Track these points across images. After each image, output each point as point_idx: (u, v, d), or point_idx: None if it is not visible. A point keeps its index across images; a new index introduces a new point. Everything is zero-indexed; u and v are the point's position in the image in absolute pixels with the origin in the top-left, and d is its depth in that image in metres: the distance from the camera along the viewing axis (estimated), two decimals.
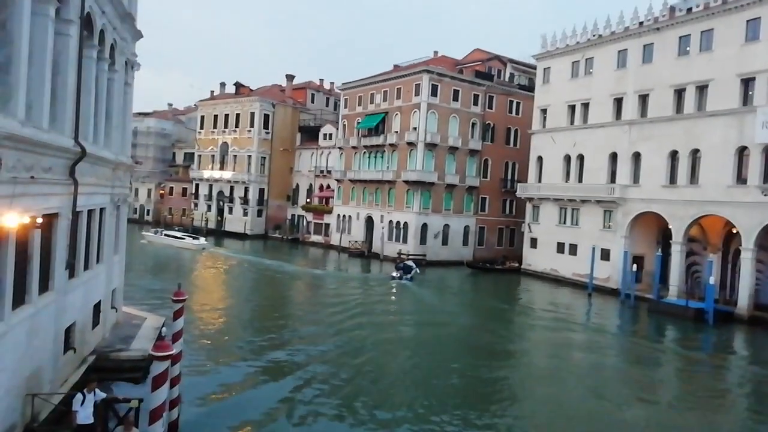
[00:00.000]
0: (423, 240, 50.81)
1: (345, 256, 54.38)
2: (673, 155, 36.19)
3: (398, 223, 52.33)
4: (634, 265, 36.43)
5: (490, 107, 53.60)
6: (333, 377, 17.82)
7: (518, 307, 35.95)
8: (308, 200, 66.10)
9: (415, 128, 50.64)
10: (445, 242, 52.28)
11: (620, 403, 17.57)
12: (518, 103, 55.03)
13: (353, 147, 58.49)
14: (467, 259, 50.96)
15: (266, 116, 67.16)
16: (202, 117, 74.47)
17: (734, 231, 33.32)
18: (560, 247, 44.37)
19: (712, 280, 31.52)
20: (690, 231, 35.43)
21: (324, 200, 63.53)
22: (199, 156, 74.39)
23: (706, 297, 31.45)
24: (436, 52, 59.64)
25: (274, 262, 46.17)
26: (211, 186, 72.07)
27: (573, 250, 43.16)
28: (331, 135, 63.42)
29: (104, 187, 16.02)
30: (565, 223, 44.33)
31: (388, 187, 53.84)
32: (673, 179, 36.18)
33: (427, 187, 50.67)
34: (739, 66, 32.52)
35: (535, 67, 50.07)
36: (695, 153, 34.88)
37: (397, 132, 52.77)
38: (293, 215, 67.92)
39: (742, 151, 32.40)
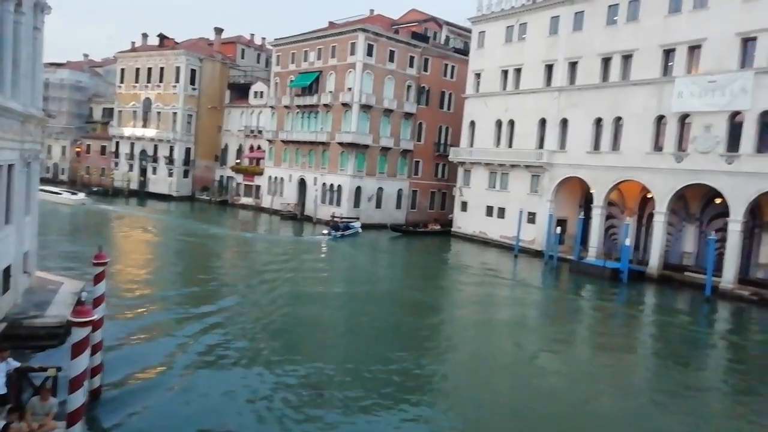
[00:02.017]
0: (357, 203, 50.72)
1: (277, 219, 53.49)
2: (598, 122, 37.65)
3: (332, 185, 51.84)
4: (558, 228, 38.10)
5: (426, 70, 53.46)
6: (260, 329, 18.12)
7: (448, 266, 36.95)
8: (238, 161, 64.05)
9: (350, 89, 49.76)
10: (378, 205, 52.44)
11: (536, 349, 19.21)
12: (453, 67, 55.17)
13: (286, 106, 56.89)
14: (391, 222, 50.79)
15: (193, 71, 63.82)
16: (123, 70, 69.67)
17: (649, 196, 35.42)
18: (489, 211, 45.63)
19: (627, 242, 33.57)
20: (610, 195, 37.36)
21: (255, 161, 61.77)
22: (120, 112, 69.90)
23: (621, 257, 33.57)
24: (372, 11, 58.43)
25: (200, 225, 44.65)
26: (132, 144, 68.23)
27: (501, 213, 44.50)
28: (262, 93, 61.29)
29: (12, 142, 14.70)
30: (494, 187, 45.49)
31: (321, 149, 53.01)
32: (597, 146, 37.73)
33: (362, 149, 50.29)
34: (662, 37, 33.93)
35: (470, 31, 50.15)
36: (618, 120, 36.45)
37: (331, 92, 51.69)
38: (222, 176, 65.73)
39: (660, 120, 34.17)
